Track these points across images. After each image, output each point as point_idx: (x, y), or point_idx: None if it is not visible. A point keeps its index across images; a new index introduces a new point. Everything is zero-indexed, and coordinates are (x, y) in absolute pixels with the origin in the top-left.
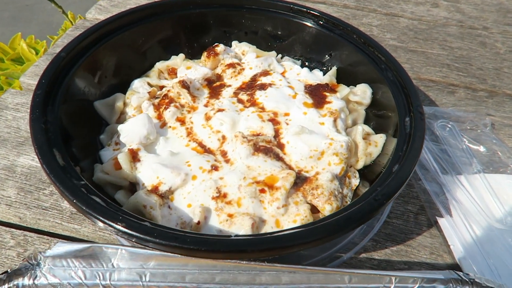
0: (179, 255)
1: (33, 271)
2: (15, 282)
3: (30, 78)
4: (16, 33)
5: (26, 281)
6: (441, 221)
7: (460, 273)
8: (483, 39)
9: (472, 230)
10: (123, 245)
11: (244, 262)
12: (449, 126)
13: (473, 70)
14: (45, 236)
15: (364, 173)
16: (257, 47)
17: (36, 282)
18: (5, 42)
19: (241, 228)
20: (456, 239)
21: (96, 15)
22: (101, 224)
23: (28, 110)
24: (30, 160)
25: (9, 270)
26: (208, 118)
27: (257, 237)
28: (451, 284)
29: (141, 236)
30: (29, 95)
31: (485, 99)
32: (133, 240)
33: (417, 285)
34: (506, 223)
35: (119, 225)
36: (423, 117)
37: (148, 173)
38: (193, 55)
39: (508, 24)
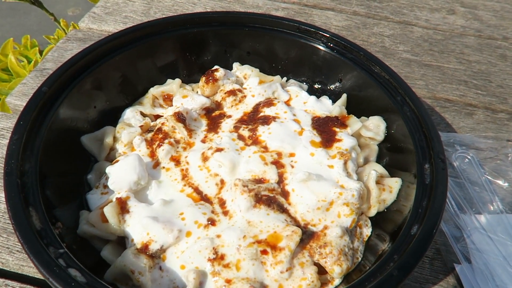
0: None
1: None
2: None
3: (17, 98)
4: (14, 25)
5: None
6: (459, 269)
7: None
8: (503, 51)
9: (493, 281)
10: None
11: None
12: (469, 157)
13: (493, 87)
14: (28, 286)
15: (377, 219)
16: (260, 69)
17: None
18: (3, 34)
19: None
20: None
21: (89, 24)
22: None
23: None
24: None
25: None
26: (205, 158)
27: None
28: None
29: None
30: (15, 118)
31: (506, 122)
32: None
33: None
34: None
35: None
36: (445, 167)
37: (138, 228)
38: (190, 75)
39: None
